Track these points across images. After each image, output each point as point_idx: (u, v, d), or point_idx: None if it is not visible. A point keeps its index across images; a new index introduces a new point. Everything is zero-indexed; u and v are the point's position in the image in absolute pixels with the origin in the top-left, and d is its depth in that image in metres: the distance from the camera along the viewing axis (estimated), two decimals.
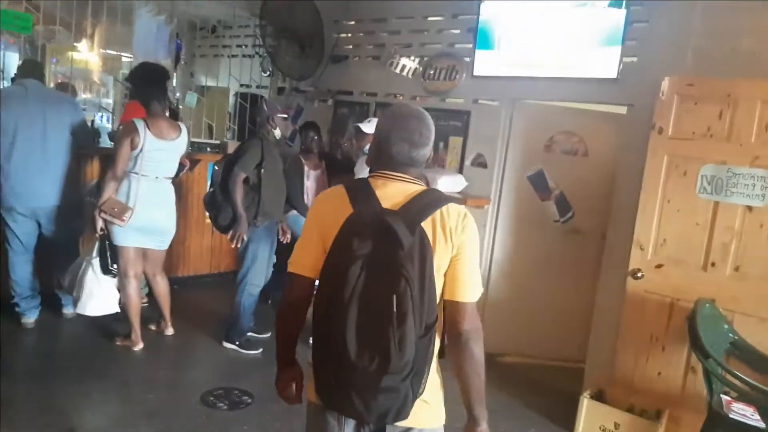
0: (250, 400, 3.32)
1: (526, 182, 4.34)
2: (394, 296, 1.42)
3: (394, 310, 1.41)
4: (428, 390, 1.56)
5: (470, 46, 4.35)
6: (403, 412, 1.50)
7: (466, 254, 1.58)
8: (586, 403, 3.32)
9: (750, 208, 3.03)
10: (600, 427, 3.25)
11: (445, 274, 1.57)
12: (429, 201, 1.56)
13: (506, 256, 4.41)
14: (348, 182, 1.65)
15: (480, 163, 4.39)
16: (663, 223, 3.27)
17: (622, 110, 3.91)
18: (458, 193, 4.33)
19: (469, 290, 1.59)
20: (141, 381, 3.49)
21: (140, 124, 3.52)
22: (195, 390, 3.36)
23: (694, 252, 3.18)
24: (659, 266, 3.28)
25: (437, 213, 1.55)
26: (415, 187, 1.60)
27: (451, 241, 1.55)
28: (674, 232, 3.24)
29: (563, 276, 4.33)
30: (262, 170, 3.77)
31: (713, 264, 3.14)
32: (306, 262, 1.61)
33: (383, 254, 1.45)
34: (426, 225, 1.52)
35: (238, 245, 3.80)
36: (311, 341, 1.55)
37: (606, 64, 3.65)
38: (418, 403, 1.52)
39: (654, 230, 3.30)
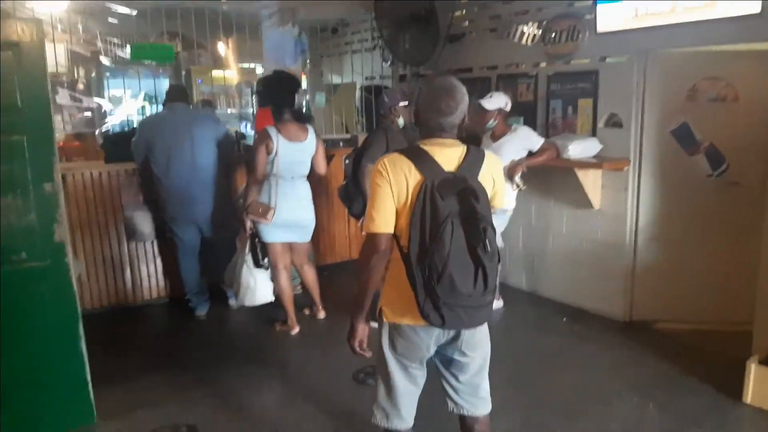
0: None
1: (668, 138, 4.01)
2: (486, 240, 1.81)
3: (489, 249, 1.82)
4: None
5: (590, 2, 4.11)
6: (491, 314, 2.01)
7: (501, 184, 2.07)
8: (754, 369, 3.05)
9: None
10: None
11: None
12: (474, 158, 1.97)
13: (655, 218, 4.12)
14: (404, 152, 1.97)
15: (615, 123, 4.14)
16: None
17: None
18: (593, 157, 4.14)
19: (501, 201, 2.10)
20: (298, 362, 3.79)
21: (272, 131, 3.79)
22: (346, 368, 3.55)
23: None
24: None
25: (483, 166, 1.97)
26: (460, 149, 1.98)
27: (493, 179, 2.01)
28: None
29: (722, 233, 3.98)
30: None
31: None
32: (389, 222, 1.93)
33: (466, 210, 1.83)
34: (480, 177, 1.95)
35: None
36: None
37: None
38: None
39: None
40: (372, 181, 1.95)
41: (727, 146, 3.95)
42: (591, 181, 4.20)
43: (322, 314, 4.38)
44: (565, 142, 4.12)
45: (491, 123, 4.16)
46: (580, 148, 4.10)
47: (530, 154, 4.13)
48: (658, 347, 3.83)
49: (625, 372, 3.56)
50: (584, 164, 4.09)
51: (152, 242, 4.72)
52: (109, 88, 5.98)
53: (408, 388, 2.13)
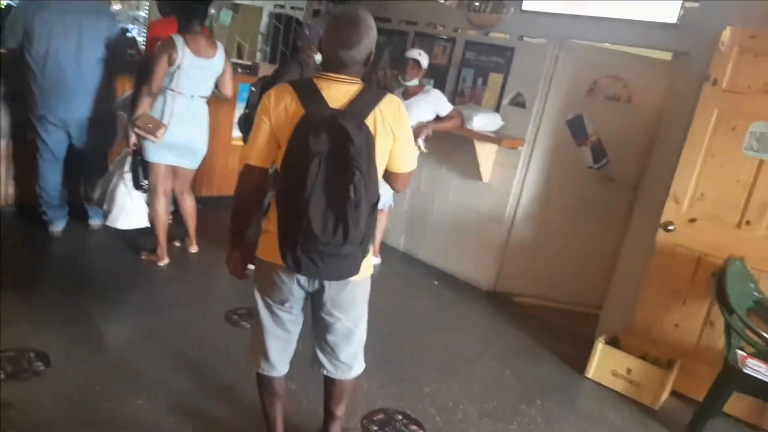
0: None
1: (563, 126, 4.23)
2: (351, 186, 1.69)
3: (352, 196, 1.69)
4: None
5: None
6: (356, 270, 1.88)
7: (403, 137, 1.90)
8: (600, 348, 3.38)
9: None
10: (612, 372, 3.33)
11: (390, 152, 1.90)
12: (369, 99, 1.82)
13: (535, 198, 4.36)
14: (294, 83, 1.87)
15: (518, 102, 4.27)
16: (703, 178, 3.21)
17: (669, 57, 3.73)
18: (493, 132, 4.25)
19: (406, 163, 1.97)
20: (165, 297, 3.56)
21: (179, 41, 3.43)
22: (219, 308, 3.43)
23: (731, 209, 3.14)
24: (693, 220, 3.24)
25: (377, 108, 1.81)
26: (355, 87, 1.84)
27: (391, 129, 1.85)
28: (713, 187, 3.18)
29: (590, 223, 4.30)
30: None
31: (748, 222, 3.11)
32: (262, 155, 1.88)
33: (337, 151, 1.70)
34: (369, 120, 1.79)
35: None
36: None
37: (666, 8, 3.47)
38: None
39: (692, 184, 3.24)
40: (257, 111, 1.87)
41: (611, 143, 4.24)
42: (486, 155, 4.32)
43: (194, 248, 4.14)
44: (471, 112, 4.18)
45: (413, 81, 4.10)
46: (484, 122, 4.19)
47: (437, 118, 4.14)
48: (518, 319, 4.13)
49: (487, 338, 3.79)
50: (484, 137, 4.19)
51: (7, 141, 4.11)
52: None
53: (275, 330, 2.04)
